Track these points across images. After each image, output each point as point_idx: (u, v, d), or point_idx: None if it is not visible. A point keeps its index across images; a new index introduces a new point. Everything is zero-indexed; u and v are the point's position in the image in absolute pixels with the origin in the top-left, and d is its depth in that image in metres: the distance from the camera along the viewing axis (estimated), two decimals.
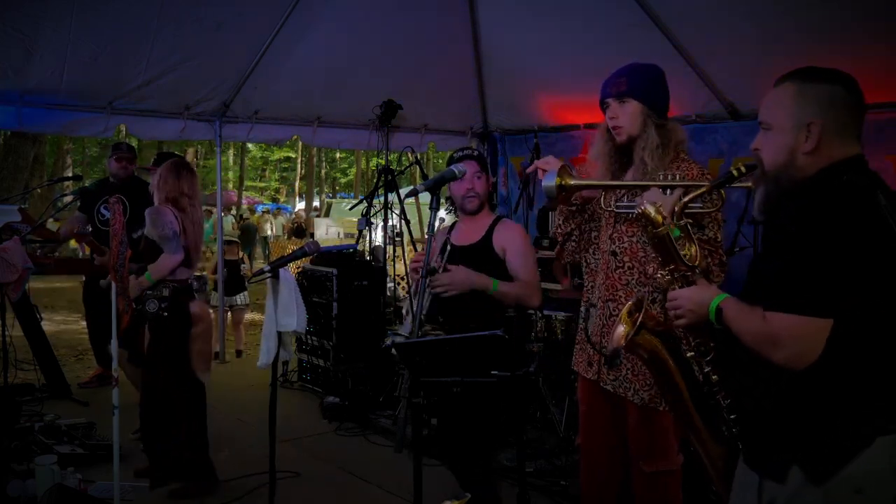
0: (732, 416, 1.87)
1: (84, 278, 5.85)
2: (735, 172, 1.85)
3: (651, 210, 1.88)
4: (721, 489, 1.96)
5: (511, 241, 3.04)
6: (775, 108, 1.74)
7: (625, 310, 2.01)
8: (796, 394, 1.65)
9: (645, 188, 2.34)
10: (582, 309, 2.71)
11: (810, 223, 1.58)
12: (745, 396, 1.81)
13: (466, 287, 2.87)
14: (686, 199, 1.97)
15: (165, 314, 3.74)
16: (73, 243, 12.89)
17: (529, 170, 2.60)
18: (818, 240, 1.55)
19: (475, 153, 3.13)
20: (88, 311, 5.89)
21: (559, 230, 2.67)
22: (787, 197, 1.71)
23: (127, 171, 5.48)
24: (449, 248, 3.02)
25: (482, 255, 3.04)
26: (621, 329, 1.97)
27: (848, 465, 1.59)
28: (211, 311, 7.79)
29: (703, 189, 2.02)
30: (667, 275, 1.91)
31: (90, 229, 5.62)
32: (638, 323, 1.89)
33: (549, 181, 2.39)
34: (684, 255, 1.89)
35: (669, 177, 2.29)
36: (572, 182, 2.41)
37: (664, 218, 1.88)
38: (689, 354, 1.92)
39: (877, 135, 4.22)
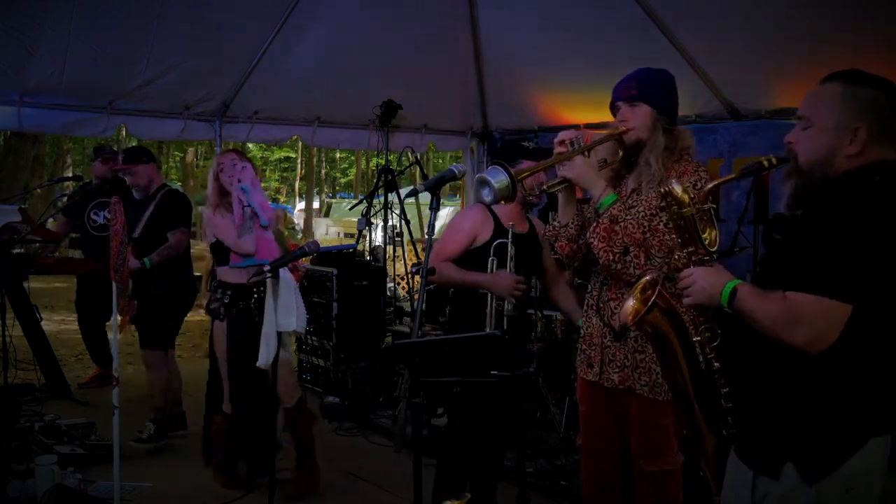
0: (729, 405, 1.87)
1: (76, 278, 5.87)
2: (766, 163, 1.85)
3: (678, 189, 1.85)
4: (710, 477, 1.97)
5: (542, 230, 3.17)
6: (820, 107, 1.76)
7: (638, 285, 1.98)
8: (796, 393, 1.66)
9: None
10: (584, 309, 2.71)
11: (838, 217, 1.61)
12: (743, 393, 1.81)
13: None
14: (711, 185, 1.96)
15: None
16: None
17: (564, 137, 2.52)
18: (845, 232, 1.58)
19: (531, 146, 3.22)
20: (80, 312, 5.91)
21: (556, 223, 2.65)
22: (815, 192, 1.74)
23: (111, 172, 5.51)
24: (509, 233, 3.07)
25: (534, 246, 3.22)
26: (631, 304, 1.95)
27: (842, 465, 1.61)
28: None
29: (732, 177, 2.02)
30: (683, 257, 1.90)
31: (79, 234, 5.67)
32: (651, 301, 1.86)
33: (502, 177, 2.31)
34: (704, 239, 1.88)
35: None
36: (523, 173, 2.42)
37: (691, 198, 1.86)
38: (695, 339, 1.91)
39: None
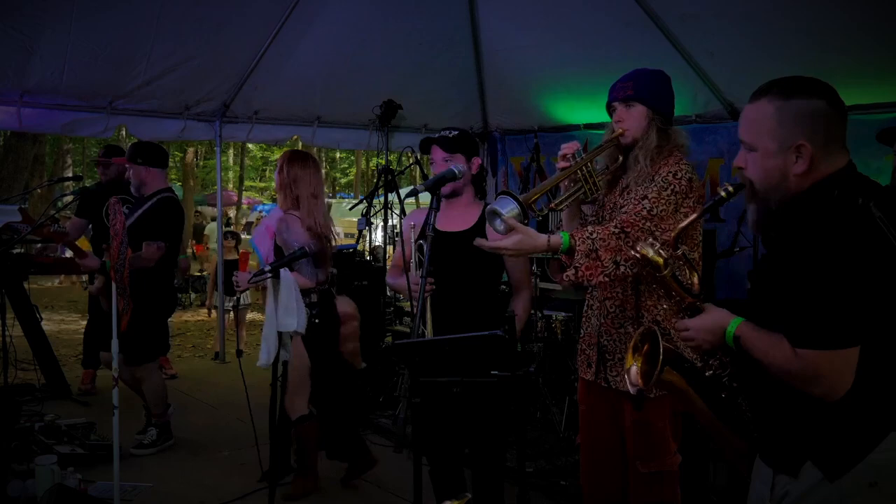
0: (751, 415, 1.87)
1: (84, 277, 5.86)
2: (724, 194, 1.82)
3: (650, 252, 1.82)
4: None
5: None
6: (758, 129, 1.70)
7: (631, 344, 1.95)
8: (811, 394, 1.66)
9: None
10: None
11: (811, 248, 1.57)
12: (758, 393, 1.82)
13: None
14: (676, 231, 1.91)
15: (317, 321, 3.68)
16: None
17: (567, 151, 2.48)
18: (825, 267, 1.55)
19: (449, 135, 2.94)
20: (92, 310, 5.89)
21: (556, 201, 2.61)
22: (778, 213, 1.71)
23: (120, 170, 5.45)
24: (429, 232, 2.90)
25: (473, 246, 2.90)
26: (635, 369, 1.92)
27: (864, 460, 1.61)
28: (212, 311, 7.83)
29: (695, 217, 1.99)
30: (673, 305, 1.88)
31: (91, 233, 5.64)
32: (660, 360, 1.81)
33: (511, 206, 2.29)
34: (687, 286, 1.85)
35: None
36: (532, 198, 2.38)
37: (665, 259, 1.82)
38: (708, 374, 1.89)
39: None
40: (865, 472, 1.61)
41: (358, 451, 4.00)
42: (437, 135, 2.98)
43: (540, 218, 2.59)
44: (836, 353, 1.56)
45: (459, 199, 2.99)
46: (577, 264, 2.31)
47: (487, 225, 2.92)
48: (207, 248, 14.78)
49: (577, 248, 2.30)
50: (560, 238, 2.32)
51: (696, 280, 1.87)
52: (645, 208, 2.35)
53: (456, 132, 2.98)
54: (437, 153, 2.93)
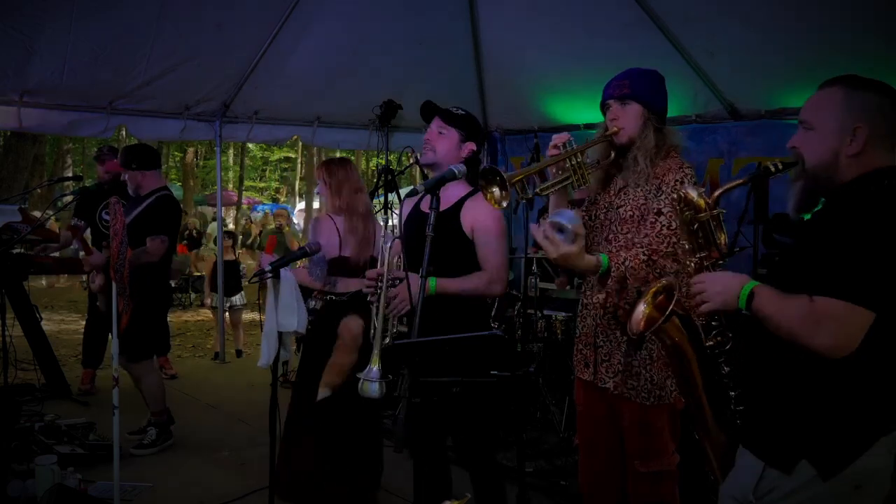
0: (739, 408, 1.88)
1: (84, 277, 5.86)
2: (773, 168, 1.86)
3: (693, 194, 1.87)
4: (720, 480, 1.97)
5: (482, 220, 2.79)
6: (821, 110, 1.78)
7: (651, 290, 1.99)
8: (814, 391, 1.68)
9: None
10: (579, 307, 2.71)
11: (857, 224, 1.63)
12: (759, 388, 1.82)
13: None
14: (721, 190, 1.95)
15: (309, 327, 3.43)
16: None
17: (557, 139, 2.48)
18: (864, 239, 1.60)
19: (455, 111, 2.89)
20: (91, 310, 5.89)
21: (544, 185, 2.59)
22: (823, 196, 1.77)
23: (107, 173, 5.43)
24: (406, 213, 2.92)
25: (445, 227, 2.75)
26: (642, 310, 1.96)
27: (854, 462, 1.63)
28: (210, 311, 7.83)
29: (740, 182, 2.03)
30: (695, 262, 1.90)
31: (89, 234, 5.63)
32: (669, 311, 1.87)
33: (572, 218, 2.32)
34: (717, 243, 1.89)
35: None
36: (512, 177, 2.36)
37: (707, 203, 1.87)
38: (708, 344, 1.91)
39: None
40: (853, 474, 1.64)
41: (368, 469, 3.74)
42: (445, 107, 2.92)
43: (524, 200, 2.53)
44: (852, 307, 1.58)
45: (454, 183, 2.79)
46: (608, 290, 2.41)
47: (463, 210, 2.86)
48: (207, 249, 14.77)
49: (612, 274, 2.37)
50: (600, 261, 2.37)
51: (723, 240, 1.91)
52: (664, 225, 2.39)
53: (464, 112, 2.93)
54: (435, 122, 2.89)
